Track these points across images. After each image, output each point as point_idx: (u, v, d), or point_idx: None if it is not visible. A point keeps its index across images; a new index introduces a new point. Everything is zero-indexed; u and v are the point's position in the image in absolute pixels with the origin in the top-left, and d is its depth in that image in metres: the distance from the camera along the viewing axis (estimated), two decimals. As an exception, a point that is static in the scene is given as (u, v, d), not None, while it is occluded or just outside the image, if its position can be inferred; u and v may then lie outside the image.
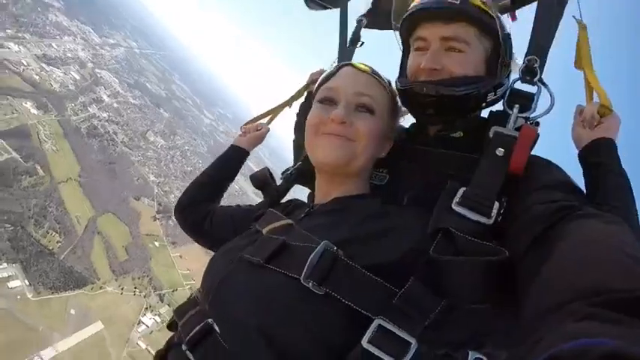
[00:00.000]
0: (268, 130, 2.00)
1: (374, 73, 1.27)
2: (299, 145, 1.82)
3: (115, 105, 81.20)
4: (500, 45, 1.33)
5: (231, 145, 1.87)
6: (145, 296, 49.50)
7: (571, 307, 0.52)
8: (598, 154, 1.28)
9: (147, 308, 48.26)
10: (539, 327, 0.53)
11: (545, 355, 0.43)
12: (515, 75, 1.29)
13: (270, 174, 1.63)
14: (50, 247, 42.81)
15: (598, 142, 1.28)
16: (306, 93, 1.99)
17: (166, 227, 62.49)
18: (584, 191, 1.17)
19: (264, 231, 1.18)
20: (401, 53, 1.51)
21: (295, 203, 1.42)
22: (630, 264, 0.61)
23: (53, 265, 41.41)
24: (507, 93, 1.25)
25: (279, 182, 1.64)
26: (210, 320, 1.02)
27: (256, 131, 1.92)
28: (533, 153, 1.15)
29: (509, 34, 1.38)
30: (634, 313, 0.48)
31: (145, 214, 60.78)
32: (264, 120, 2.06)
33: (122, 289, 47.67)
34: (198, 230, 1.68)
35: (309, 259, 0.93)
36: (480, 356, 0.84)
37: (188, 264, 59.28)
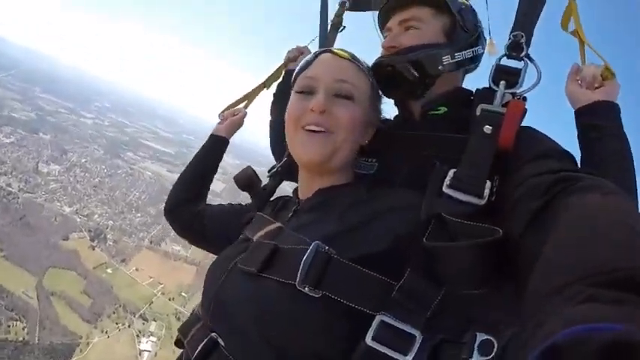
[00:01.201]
0: (246, 114, 1.96)
1: (353, 59, 1.26)
2: (275, 127, 1.87)
3: (-9, 155, 73.33)
4: (458, 18, 1.41)
5: (210, 135, 1.86)
6: (129, 325, 49.58)
7: (573, 288, 0.51)
8: (599, 116, 1.30)
9: (138, 335, 48.45)
10: (541, 310, 0.52)
11: (545, 344, 0.42)
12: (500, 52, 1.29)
13: (255, 173, 1.61)
14: (20, 338, 41.27)
15: (600, 104, 1.30)
16: (283, 72, 2.01)
17: (108, 249, 61.17)
18: (575, 156, 1.16)
19: (255, 237, 1.18)
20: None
21: (283, 200, 1.41)
22: (634, 239, 0.59)
23: (35, 354, 40.32)
24: (493, 69, 1.26)
25: (265, 180, 1.63)
26: (214, 335, 1.03)
27: (233, 116, 1.90)
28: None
29: (466, 7, 1.46)
30: (636, 290, 0.46)
31: (83, 248, 58.96)
32: (241, 105, 2.02)
33: (106, 332, 47.25)
34: (189, 231, 1.69)
35: (301, 264, 0.92)
36: (488, 337, 0.85)
37: (147, 272, 59.29)
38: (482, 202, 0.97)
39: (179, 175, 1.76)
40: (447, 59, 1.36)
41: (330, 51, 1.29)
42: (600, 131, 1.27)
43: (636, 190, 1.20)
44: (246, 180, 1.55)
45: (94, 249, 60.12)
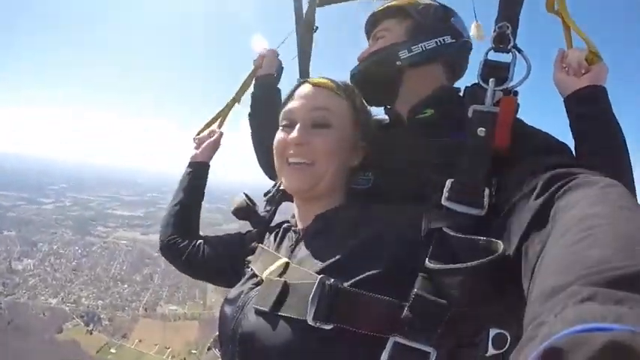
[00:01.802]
0: (222, 133, 1.90)
1: (330, 86, 1.28)
2: (260, 141, 1.85)
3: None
4: (415, 20, 1.47)
5: (189, 162, 1.82)
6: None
7: (572, 288, 0.50)
8: (587, 104, 1.28)
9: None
10: (542, 311, 0.51)
11: (543, 346, 0.41)
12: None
13: (250, 200, 1.59)
14: None
15: (587, 90, 1.29)
16: (253, 81, 1.97)
17: (106, 329, 59.48)
18: (567, 145, 1.15)
19: (264, 275, 1.19)
20: None
21: (283, 229, 1.41)
22: (634, 236, 0.59)
23: None
24: (481, 65, 1.25)
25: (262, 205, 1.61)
26: None
27: (209, 139, 1.86)
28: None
29: (428, 5, 1.49)
30: (638, 289, 0.45)
31: (80, 336, 57.26)
32: (215, 125, 1.97)
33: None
34: (188, 265, 1.66)
35: (309, 301, 0.94)
36: (501, 331, 0.91)
37: (150, 340, 58.33)
38: (483, 212, 0.99)
39: (168, 210, 1.74)
40: (403, 53, 1.41)
41: (306, 81, 1.33)
42: (590, 119, 1.27)
43: (631, 175, 1.22)
44: (244, 209, 1.56)
45: (91, 333, 58.42)
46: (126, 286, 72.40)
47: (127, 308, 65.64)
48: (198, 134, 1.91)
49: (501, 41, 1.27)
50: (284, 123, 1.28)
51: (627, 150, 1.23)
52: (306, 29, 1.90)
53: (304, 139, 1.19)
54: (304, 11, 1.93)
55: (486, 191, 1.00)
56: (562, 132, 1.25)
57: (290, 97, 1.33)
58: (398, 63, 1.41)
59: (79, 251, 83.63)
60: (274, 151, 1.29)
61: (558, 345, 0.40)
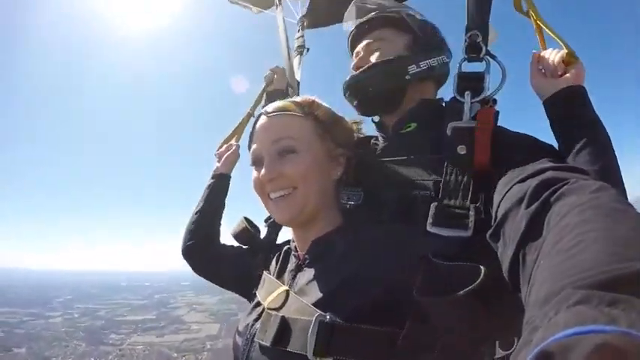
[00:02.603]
0: (239, 146, 2.05)
1: (287, 109, 1.28)
2: None
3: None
4: (417, 34, 1.49)
5: (212, 174, 1.97)
6: None
7: (566, 292, 0.50)
8: (569, 105, 1.26)
9: None
10: (537, 315, 0.51)
11: (535, 351, 0.41)
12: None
13: (250, 224, 1.69)
14: None
15: (565, 92, 1.26)
16: (265, 95, 2.10)
17: None
18: (553, 145, 1.20)
19: (265, 305, 1.23)
20: None
21: (284, 252, 1.44)
22: (625, 238, 0.59)
23: None
24: (456, 79, 1.28)
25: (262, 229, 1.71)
26: None
27: (228, 152, 2.01)
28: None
29: (425, 22, 1.53)
30: (630, 291, 0.45)
31: None
32: (232, 140, 2.13)
33: None
34: (204, 271, 1.83)
35: (308, 338, 0.99)
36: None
37: None
38: (469, 233, 1.00)
39: (190, 218, 1.86)
40: (412, 68, 1.41)
41: (263, 113, 1.32)
42: (571, 121, 1.23)
43: (619, 173, 1.18)
44: (245, 235, 1.65)
45: None
46: (149, 392, 67.14)
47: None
48: (218, 149, 2.06)
49: (473, 50, 1.29)
50: (253, 162, 1.30)
51: (612, 148, 1.22)
52: (297, 53, 2.07)
53: (275, 173, 1.21)
54: (294, 35, 2.15)
55: (472, 210, 1.02)
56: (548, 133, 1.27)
57: (252, 134, 1.35)
58: (407, 77, 1.42)
59: None
60: (255, 190, 1.31)
61: (550, 349, 0.39)
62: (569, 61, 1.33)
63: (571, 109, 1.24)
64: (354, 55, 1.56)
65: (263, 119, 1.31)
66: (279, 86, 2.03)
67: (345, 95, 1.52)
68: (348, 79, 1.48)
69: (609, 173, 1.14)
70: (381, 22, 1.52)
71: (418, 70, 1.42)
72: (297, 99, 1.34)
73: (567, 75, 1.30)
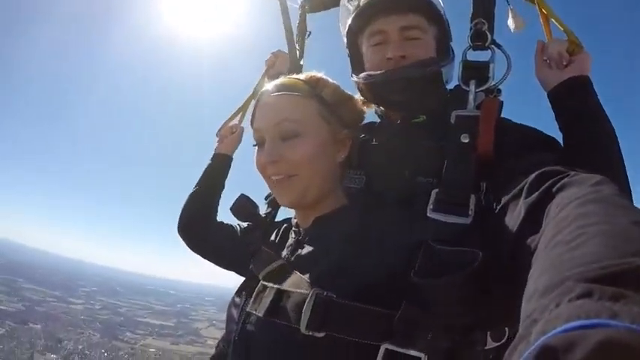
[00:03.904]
0: (243, 128, 2.02)
1: (292, 88, 1.25)
2: None
3: (-16, 348, 65.86)
4: (446, 29, 1.45)
5: (213, 154, 1.94)
6: None
7: (567, 285, 0.50)
8: (573, 96, 1.25)
9: None
10: (535, 308, 0.51)
11: (537, 344, 0.40)
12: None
13: (249, 201, 1.64)
14: None
15: (572, 82, 1.26)
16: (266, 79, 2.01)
17: None
18: (555, 138, 1.19)
19: (261, 276, 1.23)
20: (348, 53, 1.57)
21: (285, 228, 1.45)
22: (628, 232, 0.59)
23: None
24: (461, 68, 1.28)
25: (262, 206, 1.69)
26: None
27: (231, 134, 1.97)
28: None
29: (448, 21, 1.47)
30: (633, 286, 0.44)
31: None
32: (236, 120, 2.08)
33: None
34: (199, 248, 1.81)
35: (303, 311, 1.00)
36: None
37: None
38: (469, 220, 1.02)
39: (188, 195, 1.88)
40: (445, 69, 1.40)
41: (266, 92, 1.30)
42: (575, 111, 1.24)
43: (623, 165, 1.19)
44: (245, 211, 1.64)
45: None
46: (152, 396, 65.45)
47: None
48: (220, 130, 2.06)
49: (478, 39, 1.30)
50: (256, 142, 1.30)
51: (616, 140, 1.23)
52: (299, 35, 2.03)
53: (276, 156, 1.20)
54: (297, 18, 2.05)
55: (472, 199, 1.04)
56: (552, 125, 1.32)
57: (254, 113, 1.34)
58: (445, 80, 1.42)
59: (105, 354, 78.21)
60: (258, 171, 1.31)
61: (552, 343, 0.39)
62: (574, 50, 1.32)
63: (574, 101, 1.25)
64: (377, 31, 1.42)
65: (266, 98, 1.28)
66: (281, 70, 1.94)
67: (366, 85, 1.43)
68: (392, 72, 1.35)
69: (611, 166, 1.16)
70: (416, 6, 1.39)
71: (446, 71, 1.41)
72: (302, 76, 1.31)
73: (572, 65, 1.30)
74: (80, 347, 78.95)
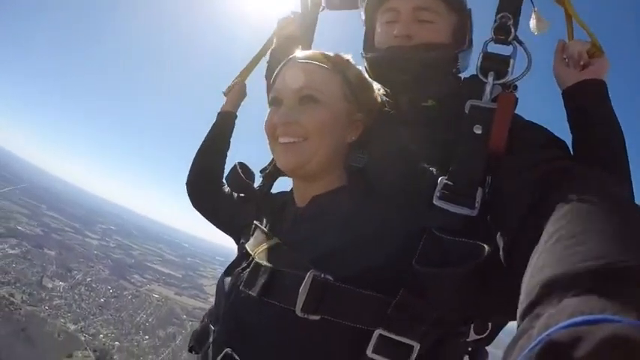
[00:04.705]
0: (245, 85, 2.05)
1: (319, 60, 1.27)
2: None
3: (-3, 263, 70.39)
4: (467, 18, 1.43)
5: (218, 113, 1.95)
6: None
7: (571, 280, 0.50)
8: (587, 97, 1.26)
9: None
10: (538, 302, 0.51)
11: (542, 339, 0.40)
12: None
13: (246, 170, 1.65)
14: None
15: (587, 84, 1.26)
16: (275, 40, 1.99)
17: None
18: (564, 141, 1.18)
19: (255, 255, 1.22)
20: (364, 29, 1.57)
21: (282, 202, 1.43)
22: (630, 230, 0.59)
23: None
24: (480, 58, 1.26)
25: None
26: (229, 350, 1.10)
27: (234, 89, 1.99)
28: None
29: (470, 10, 1.46)
30: (638, 283, 0.45)
31: (87, 368, 53.46)
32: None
33: None
34: (202, 208, 1.85)
35: (299, 293, 0.98)
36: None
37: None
38: (474, 212, 1.01)
39: (195, 154, 1.90)
40: (461, 63, 1.40)
41: (294, 58, 1.32)
42: (588, 116, 1.24)
43: (629, 172, 1.20)
44: (237, 181, 1.63)
45: (100, 369, 55.09)
46: (147, 337, 68.85)
47: (141, 358, 61.72)
48: (228, 89, 2.06)
49: (502, 33, 1.28)
50: (272, 102, 1.29)
51: (625, 147, 1.23)
52: (313, 8, 2.00)
53: (291, 118, 1.20)
54: None
55: (479, 191, 1.03)
56: (562, 126, 1.31)
57: (277, 75, 1.34)
58: (454, 70, 1.42)
59: (111, 291, 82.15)
60: (265, 131, 1.30)
61: (557, 338, 0.39)
62: (594, 53, 1.32)
63: (589, 102, 1.25)
64: (389, 8, 1.41)
65: (292, 64, 1.30)
66: (292, 33, 1.92)
67: (371, 61, 1.43)
68: (396, 50, 1.36)
69: (618, 170, 1.16)
70: None
71: (462, 61, 1.40)
72: (331, 54, 1.32)
73: (590, 67, 1.29)
74: (88, 280, 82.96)
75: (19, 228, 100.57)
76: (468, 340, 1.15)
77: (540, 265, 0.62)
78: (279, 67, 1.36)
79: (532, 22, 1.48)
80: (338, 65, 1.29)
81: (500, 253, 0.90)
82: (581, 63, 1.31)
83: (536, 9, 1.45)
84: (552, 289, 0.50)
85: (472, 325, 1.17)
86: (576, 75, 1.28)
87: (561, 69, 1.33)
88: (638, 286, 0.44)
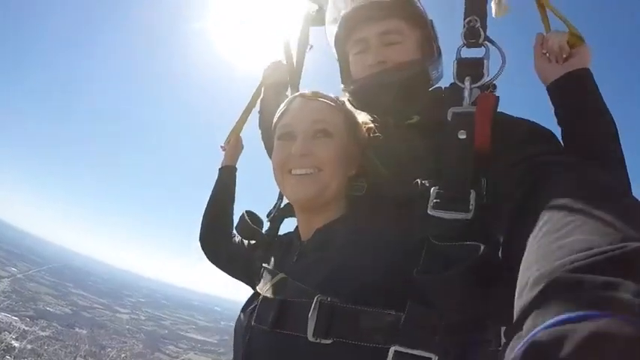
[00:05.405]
0: (241, 138, 2.31)
1: (324, 97, 1.40)
2: (267, 142, 2.00)
3: (29, 346, 66.71)
4: (430, 30, 1.53)
5: (219, 168, 2.19)
6: None
7: (556, 277, 0.50)
8: (572, 91, 1.28)
9: None
10: (526, 302, 0.51)
11: (526, 339, 0.41)
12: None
13: (252, 218, 1.76)
14: None
15: (571, 76, 1.29)
16: (263, 89, 2.18)
17: None
18: (551, 131, 1.21)
19: (263, 293, 1.28)
20: (339, 65, 1.69)
21: (288, 239, 1.53)
22: (618, 218, 0.59)
23: None
24: (455, 65, 1.34)
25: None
26: None
27: (231, 145, 2.22)
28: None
29: (432, 21, 1.57)
30: (624, 273, 0.44)
31: None
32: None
33: None
34: (216, 260, 2.01)
35: (308, 319, 1.03)
36: None
37: None
38: (469, 215, 1.04)
39: (204, 211, 2.11)
40: (434, 74, 1.50)
41: (301, 95, 1.44)
42: (573, 108, 1.26)
43: (622, 162, 1.20)
44: (247, 229, 1.77)
45: None
46: (189, 408, 64.69)
47: None
48: (225, 144, 2.30)
49: (472, 36, 1.35)
50: (283, 135, 1.38)
51: (617, 133, 1.25)
52: (301, 45, 2.15)
53: (308, 150, 1.30)
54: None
55: (472, 194, 1.06)
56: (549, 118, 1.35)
57: (285, 111, 1.44)
58: (431, 82, 1.51)
59: None
60: (274, 164, 1.39)
61: (541, 338, 0.40)
62: (574, 42, 1.34)
63: (573, 96, 1.27)
64: (359, 39, 1.55)
65: (302, 100, 1.41)
66: (279, 80, 2.10)
67: (352, 92, 1.52)
68: (373, 76, 1.48)
69: (610, 161, 1.18)
70: (397, 12, 1.49)
71: (436, 75, 1.50)
72: (330, 95, 1.44)
73: (572, 58, 1.32)
74: (123, 356, 79.01)
75: (49, 309, 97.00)
76: (500, 348, 1.14)
77: (528, 264, 0.63)
78: (283, 105, 1.45)
79: (493, 7, 1.51)
80: (339, 103, 1.41)
81: (500, 252, 0.93)
82: (563, 55, 1.33)
83: None
84: (539, 288, 0.51)
85: (502, 331, 1.17)
86: (559, 69, 1.31)
87: (542, 64, 1.36)
88: (623, 276, 0.43)
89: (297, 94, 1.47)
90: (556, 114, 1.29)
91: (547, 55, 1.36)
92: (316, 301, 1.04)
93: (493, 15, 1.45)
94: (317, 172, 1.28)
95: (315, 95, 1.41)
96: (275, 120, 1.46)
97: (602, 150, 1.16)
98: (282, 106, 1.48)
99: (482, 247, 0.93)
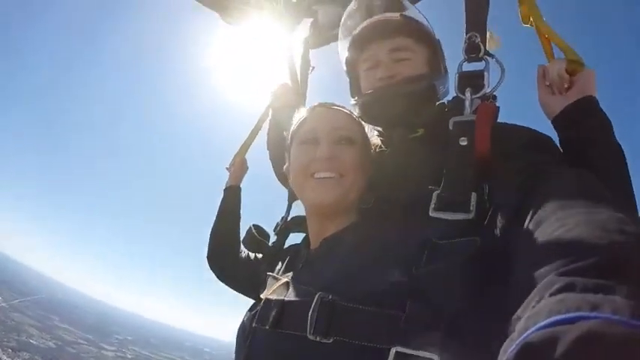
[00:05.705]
0: (246, 160, 2.30)
1: (342, 107, 1.43)
2: (275, 161, 2.01)
3: (8, 381, 62.77)
4: (438, 49, 1.55)
5: (224, 188, 2.17)
6: None
7: (549, 279, 0.50)
8: (574, 125, 1.23)
9: None
10: (520, 303, 0.51)
11: (518, 341, 0.41)
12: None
13: (259, 231, 1.78)
14: None
15: (574, 108, 1.24)
16: (270, 110, 2.18)
17: None
18: (550, 137, 1.22)
19: (266, 295, 1.27)
20: (349, 80, 1.71)
21: (295, 250, 1.53)
22: (606, 224, 0.59)
23: None
24: (456, 78, 1.36)
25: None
26: None
27: (236, 166, 2.24)
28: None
29: (439, 40, 1.58)
30: (615, 275, 0.45)
31: None
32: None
33: None
34: (224, 278, 1.97)
35: (308, 316, 1.00)
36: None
37: None
38: (471, 215, 1.04)
39: (211, 230, 2.07)
40: (441, 89, 1.50)
41: (322, 105, 1.45)
42: (578, 143, 1.23)
43: (630, 191, 1.18)
44: (254, 242, 1.78)
45: None
46: None
47: None
48: (230, 165, 2.31)
49: (472, 51, 1.39)
50: (306, 140, 1.37)
51: (624, 161, 1.21)
52: (303, 69, 2.20)
53: (333, 154, 1.29)
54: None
55: (473, 195, 1.07)
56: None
57: (306, 118, 1.43)
58: (438, 96, 1.50)
59: None
60: (296, 168, 1.37)
61: (533, 340, 0.39)
62: (574, 69, 1.28)
63: (577, 130, 1.23)
64: (368, 57, 1.56)
65: (322, 109, 1.42)
66: (286, 102, 2.10)
67: (362, 105, 1.51)
68: (382, 90, 1.47)
69: (618, 191, 1.14)
70: (405, 30, 1.52)
71: (443, 90, 1.50)
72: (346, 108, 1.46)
73: (574, 87, 1.27)
74: (106, 395, 75.02)
75: (32, 341, 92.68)
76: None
77: (521, 266, 0.64)
78: (303, 114, 1.45)
79: (489, 43, 1.52)
80: (354, 115, 1.44)
81: (501, 256, 0.91)
82: (565, 85, 1.29)
83: (490, 31, 1.49)
84: (533, 290, 0.51)
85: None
86: (560, 101, 1.27)
87: (545, 97, 1.33)
88: (614, 278, 0.44)
89: (316, 104, 1.47)
90: (562, 146, 1.25)
91: (549, 86, 1.32)
92: (317, 299, 1.02)
93: (488, 49, 1.44)
94: (339, 177, 1.27)
95: (335, 105, 1.44)
96: (294, 128, 1.46)
97: (608, 180, 1.07)
98: (301, 114, 1.48)
99: (478, 240, 0.95)
